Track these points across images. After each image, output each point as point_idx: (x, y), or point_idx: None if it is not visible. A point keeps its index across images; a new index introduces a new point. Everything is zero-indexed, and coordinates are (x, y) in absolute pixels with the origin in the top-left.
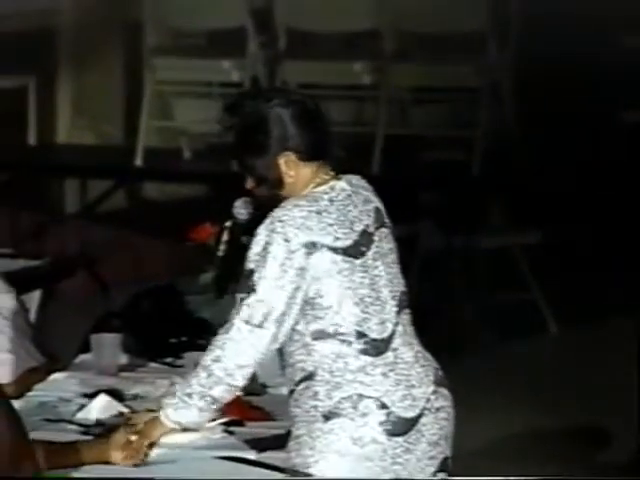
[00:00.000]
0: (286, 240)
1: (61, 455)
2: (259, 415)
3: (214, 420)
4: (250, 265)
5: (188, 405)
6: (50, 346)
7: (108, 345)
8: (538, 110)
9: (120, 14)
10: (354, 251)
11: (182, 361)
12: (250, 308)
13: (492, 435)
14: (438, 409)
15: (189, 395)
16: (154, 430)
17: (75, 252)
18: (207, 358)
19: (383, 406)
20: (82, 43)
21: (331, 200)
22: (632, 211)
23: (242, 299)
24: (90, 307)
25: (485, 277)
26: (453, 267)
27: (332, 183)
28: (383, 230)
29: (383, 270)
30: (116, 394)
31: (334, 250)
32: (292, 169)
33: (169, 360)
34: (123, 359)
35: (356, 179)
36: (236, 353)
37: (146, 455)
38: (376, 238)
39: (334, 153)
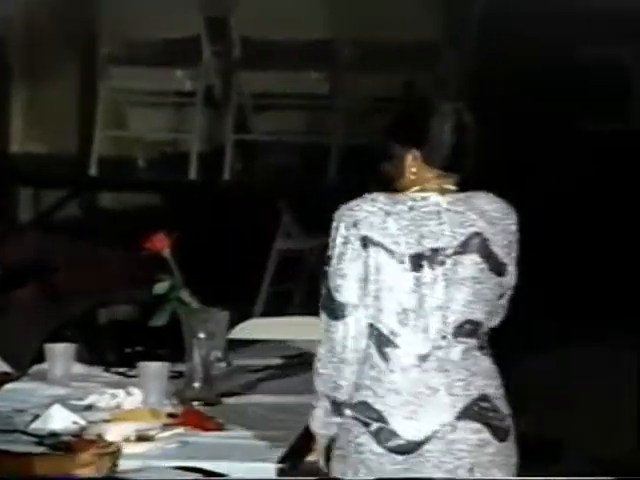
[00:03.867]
0: (352, 226)
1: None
2: (213, 425)
3: (168, 430)
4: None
5: None
6: (3, 356)
7: (62, 355)
8: (493, 119)
9: (74, 23)
10: (412, 263)
11: (136, 371)
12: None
13: None
14: (454, 440)
15: None
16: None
17: (28, 262)
18: None
19: (381, 419)
20: (36, 52)
21: (412, 208)
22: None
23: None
24: (44, 317)
25: None
26: None
27: (433, 194)
28: (470, 257)
29: (442, 293)
30: (70, 404)
31: (390, 252)
32: (415, 167)
33: (123, 370)
34: (77, 369)
35: (472, 201)
36: None
37: (115, 465)
38: (449, 261)
39: (466, 168)
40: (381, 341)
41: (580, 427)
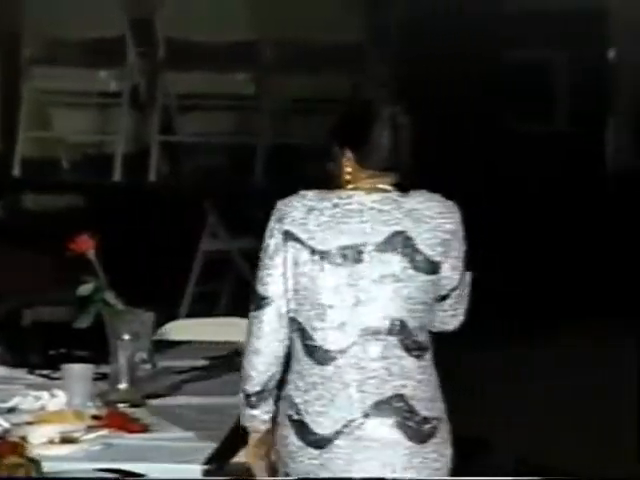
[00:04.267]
0: (278, 220)
1: None
2: (138, 427)
3: (93, 432)
4: None
5: None
6: None
7: None
8: (418, 120)
9: None
10: (327, 258)
11: (60, 373)
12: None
13: None
14: (361, 437)
15: None
16: None
17: None
18: None
19: (299, 413)
20: None
21: (335, 205)
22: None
23: None
24: None
25: None
26: None
27: (359, 193)
28: (391, 255)
29: (361, 290)
30: None
31: (307, 247)
32: (349, 167)
33: (47, 372)
34: (0, 371)
35: (401, 201)
36: None
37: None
38: (368, 258)
39: (402, 168)
40: (303, 335)
41: (506, 427)
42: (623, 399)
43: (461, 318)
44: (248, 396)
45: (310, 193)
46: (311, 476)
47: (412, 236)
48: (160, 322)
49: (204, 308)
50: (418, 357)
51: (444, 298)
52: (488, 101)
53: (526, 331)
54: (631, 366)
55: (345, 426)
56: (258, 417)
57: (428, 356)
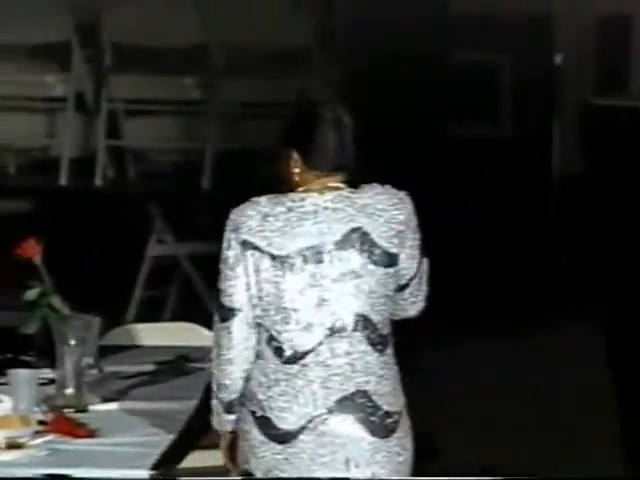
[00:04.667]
0: (234, 230)
1: None
2: (84, 432)
3: (39, 437)
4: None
5: None
6: None
7: None
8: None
9: None
10: (287, 262)
11: (6, 378)
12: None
13: None
14: (324, 432)
15: None
16: None
17: None
18: None
19: (262, 409)
20: None
21: (290, 209)
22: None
23: None
24: None
25: None
26: None
27: (312, 195)
28: (349, 252)
29: (323, 290)
30: None
31: (267, 254)
32: (297, 169)
33: None
34: None
35: (354, 197)
36: None
37: None
38: (328, 258)
39: (350, 167)
40: (270, 339)
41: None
42: (586, 399)
43: (421, 304)
44: (227, 404)
45: (263, 199)
46: (275, 471)
47: (368, 231)
48: (107, 327)
49: (151, 313)
50: (381, 351)
51: (404, 287)
52: (432, 104)
53: (476, 331)
54: (596, 366)
55: (309, 422)
56: (233, 420)
57: (389, 350)
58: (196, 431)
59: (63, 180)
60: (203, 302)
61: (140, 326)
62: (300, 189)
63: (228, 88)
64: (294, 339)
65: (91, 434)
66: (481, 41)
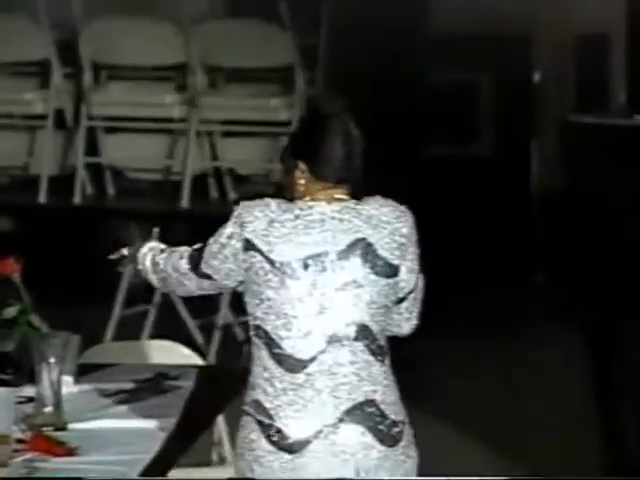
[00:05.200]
0: (239, 226)
1: None
2: (63, 450)
3: (17, 456)
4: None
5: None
6: None
7: None
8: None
9: None
10: (289, 270)
11: None
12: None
13: None
14: (335, 442)
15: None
16: None
17: None
18: None
19: (270, 418)
20: None
21: (297, 217)
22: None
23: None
24: None
25: None
26: None
27: (320, 204)
28: (352, 262)
29: (325, 299)
30: None
31: (268, 259)
32: (303, 179)
33: None
34: None
35: (359, 208)
36: None
37: None
38: (331, 267)
39: (356, 178)
40: (270, 344)
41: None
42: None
43: (415, 322)
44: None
45: (273, 204)
46: None
47: (372, 242)
48: (86, 345)
49: (130, 331)
50: (382, 362)
51: (401, 301)
52: (411, 122)
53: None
54: (576, 369)
55: (319, 431)
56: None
57: (387, 361)
58: (176, 449)
59: (42, 198)
60: (182, 320)
61: (119, 344)
62: (306, 198)
63: (208, 106)
64: (296, 345)
65: (70, 452)
66: (461, 60)
